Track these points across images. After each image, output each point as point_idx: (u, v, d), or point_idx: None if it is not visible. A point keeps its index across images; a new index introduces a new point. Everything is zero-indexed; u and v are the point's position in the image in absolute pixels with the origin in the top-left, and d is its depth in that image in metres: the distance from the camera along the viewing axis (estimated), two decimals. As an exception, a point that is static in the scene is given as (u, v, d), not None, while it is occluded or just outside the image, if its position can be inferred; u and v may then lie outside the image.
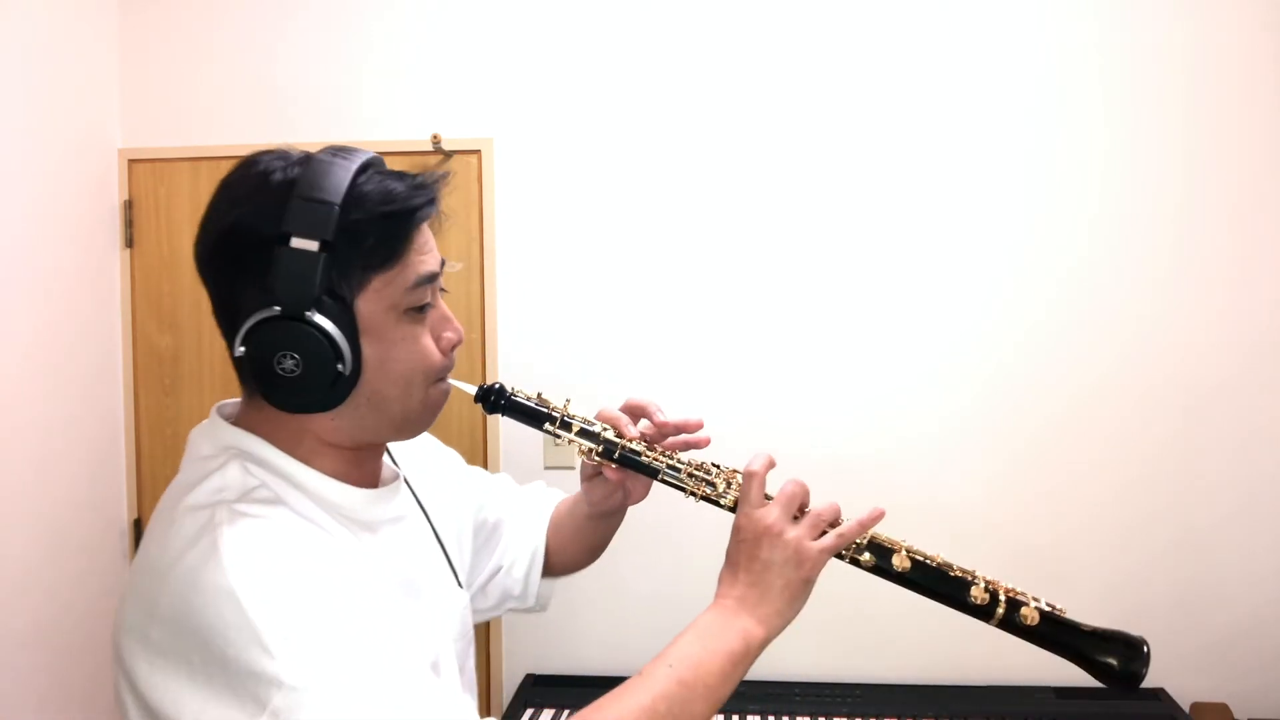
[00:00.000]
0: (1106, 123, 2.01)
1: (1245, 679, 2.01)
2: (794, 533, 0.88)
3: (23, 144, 1.90)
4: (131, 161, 2.18)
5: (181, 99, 2.18)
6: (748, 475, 0.92)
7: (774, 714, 1.90)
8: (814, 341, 2.08)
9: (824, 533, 0.89)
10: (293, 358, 0.82)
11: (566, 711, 1.90)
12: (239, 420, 0.90)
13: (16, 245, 1.88)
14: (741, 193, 2.08)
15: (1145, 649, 0.90)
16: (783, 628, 0.88)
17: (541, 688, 2.09)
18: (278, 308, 0.81)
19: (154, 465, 2.22)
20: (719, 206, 2.09)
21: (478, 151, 2.13)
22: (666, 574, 2.06)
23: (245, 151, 0.88)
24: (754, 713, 1.90)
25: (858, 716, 1.90)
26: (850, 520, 0.90)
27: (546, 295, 2.13)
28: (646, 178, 2.10)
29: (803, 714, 1.90)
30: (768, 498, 0.91)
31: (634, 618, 2.04)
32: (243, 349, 0.83)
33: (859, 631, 2.05)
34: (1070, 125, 2.02)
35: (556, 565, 1.24)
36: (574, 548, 1.22)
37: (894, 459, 2.07)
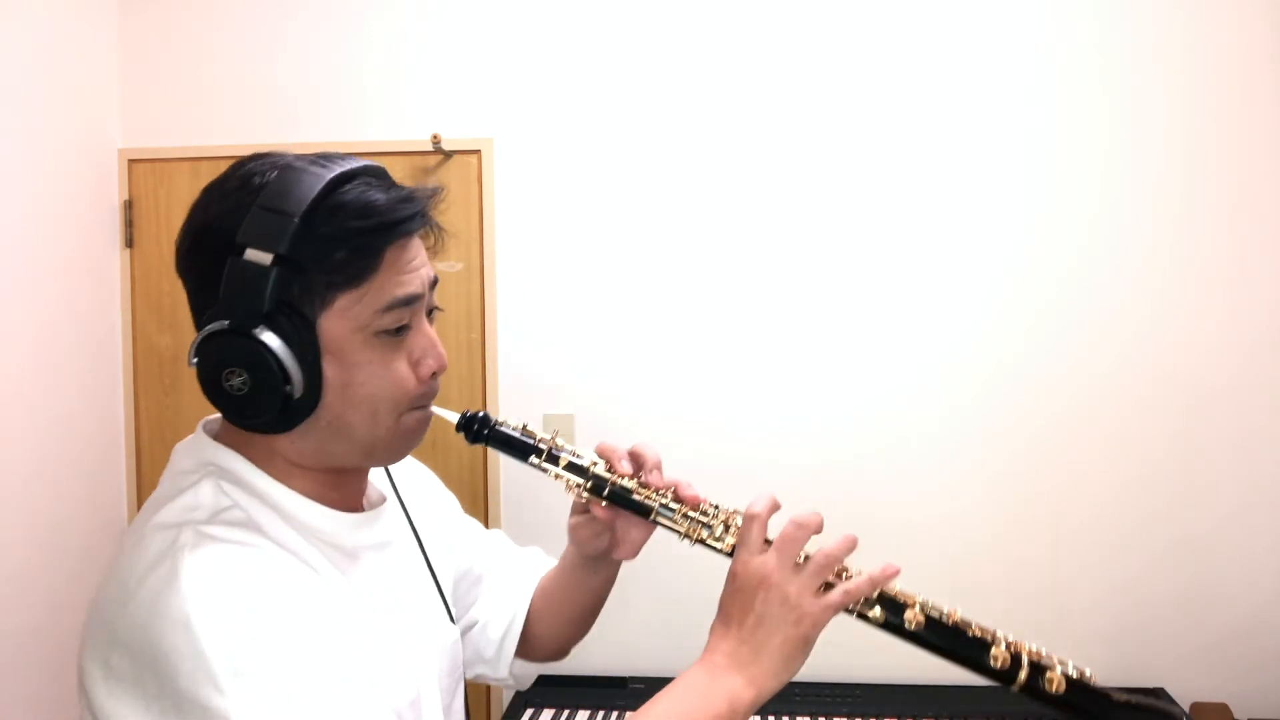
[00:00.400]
0: (1107, 123, 2.01)
1: (1245, 679, 2.01)
2: (794, 585, 0.80)
3: (23, 144, 1.90)
4: (131, 161, 2.18)
5: (181, 99, 2.18)
6: (748, 517, 0.84)
7: (774, 714, 1.90)
8: (815, 342, 2.08)
9: (831, 584, 0.81)
10: (240, 375, 0.77)
11: (567, 712, 1.89)
12: (220, 435, 0.86)
13: (16, 245, 1.88)
14: (741, 193, 2.08)
15: None
16: (776, 688, 0.80)
17: (541, 688, 2.07)
18: (226, 321, 0.77)
19: (154, 465, 2.22)
20: (719, 206, 2.09)
21: (478, 151, 2.13)
22: (668, 574, 2.05)
23: (245, 151, 0.87)
24: (753, 713, 1.90)
25: (858, 716, 1.90)
26: (861, 575, 0.82)
27: (546, 296, 2.13)
28: (647, 178, 2.10)
29: (803, 714, 1.90)
30: (768, 543, 0.83)
31: (635, 618, 2.03)
32: (195, 360, 0.79)
33: (859, 631, 2.04)
34: (1070, 125, 2.02)
35: (541, 637, 1.14)
36: (560, 613, 1.12)
37: (894, 460, 2.07)
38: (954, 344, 2.05)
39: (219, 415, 0.87)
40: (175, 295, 2.18)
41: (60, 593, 1.97)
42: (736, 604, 0.82)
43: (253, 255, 0.76)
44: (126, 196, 2.19)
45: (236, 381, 0.77)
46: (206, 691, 0.68)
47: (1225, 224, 1.99)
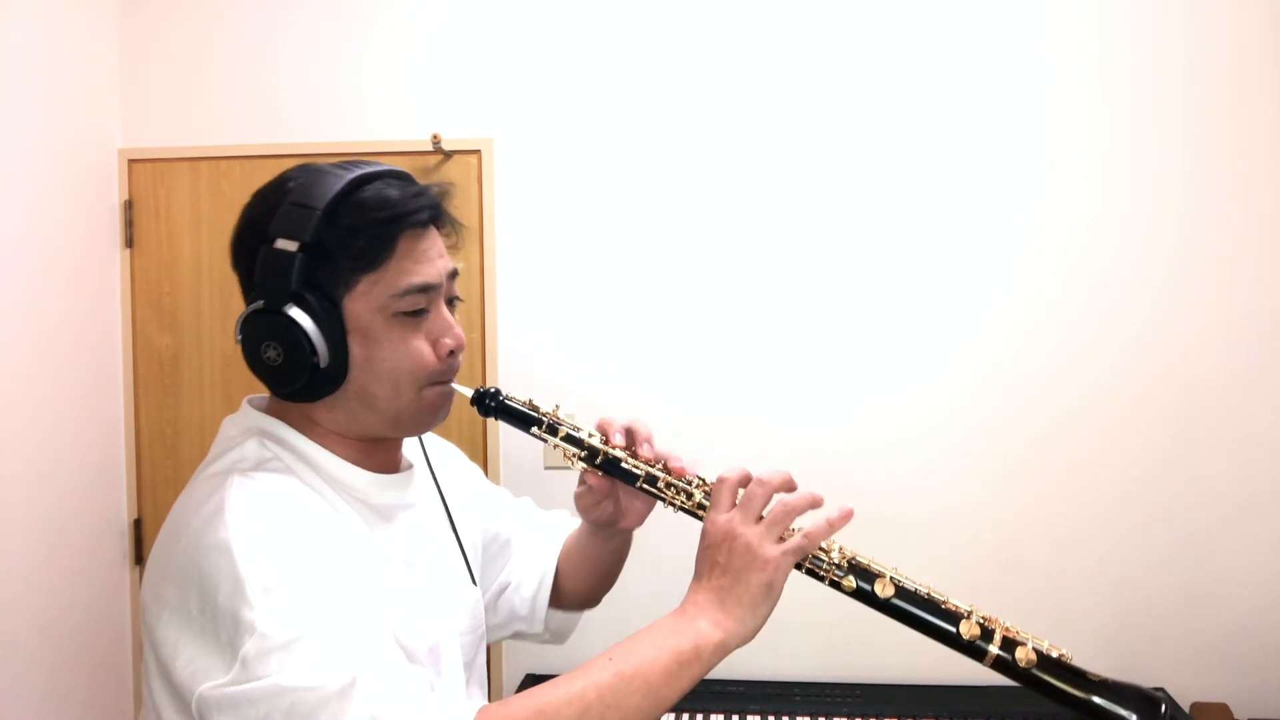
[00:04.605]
0: (1106, 123, 2.01)
1: (1245, 679, 2.01)
2: (754, 534, 0.84)
3: (23, 144, 1.90)
4: (131, 161, 2.18)
5: (181, 99, 2.18)
6: (718, 481, 0.90)
7: (774, 714, 1.90)
8: (815, 341, 2.08)
9: (788, 536, 0.85)
10: (274, 348, 0.87)
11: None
12: (264, 408, 0.97)
13: (16, 245, 1.88)
14: (742, 192, 2.08)
15: (1164, 708, 0.79)
16: (745, 634, 0.84)
17: (541, 688, 2.08)
18: (261, 301, 0.88)
19: (154, 465, 2.22)
20: (719, 206, 2.09)
21: (478, 151, 2.13)
22: (667, 574, 2.05)
23: (245, 152, 0.92)
24: (754, 713, 1.90)
25: (858, 716, 1.90)
26: (819, 521, 0.86)
27: (546, 295, 2.13)
28: (647, 178, 2.10)
29: (803, 714, 1.90)
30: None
31: (634, 618, 2.02)
32: (240, 338, 0.90)
33: (859, 631, 2.05)
34: (1070, 125, 2.02)
35: (568, 593, 1.22)
36: (582, 572, 1.20)
37: (894, 458, 2.07)
38: (953, 343, 2.06)
39: (264, 394, 0.99)
40: (175, 295, 2.18)
41: (61, 592, 1.97)
42: (705, 558, 0.87)
43: (282, 244, 0.87)
44: (126, 196, 2.19)
45: (272, 354, 0.88)
46: (238, 605, 0.76)
47: (1224, 224, 1.99)
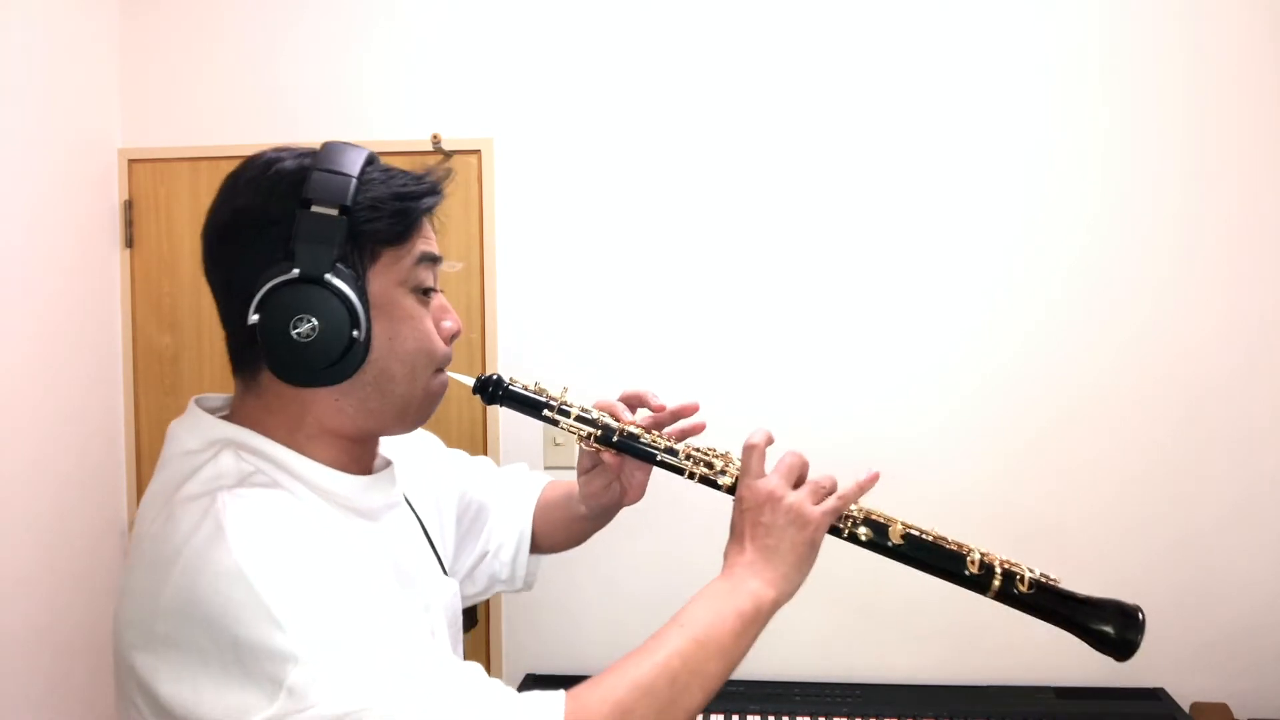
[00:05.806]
0: (1107, 123, 2.01)
1: (1245, 679, 2.01)
2: (795, 497, 0.90)
3: (23, 144, 1.90)
4: (131, 161, 2.18)
5: (181, 99, 2.18)
6: (748, 448, 0.95)
7: (774, 714, 1.90)
8: (814, 340, 2.08)
9: (824, 499, 0.92)
10: (309, 321, 0.81)
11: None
12: (228, 414, 0.91)
13: (16, 245, 1.88)
14: (741, 191, 2.08)
15: (1140, 616, 0.92)
16: (791, 592, 0.89)
17: (539, 687, 2.09)
18: (296, 270, 0.81)
19: (154, 465, 2.21)
20: (719, 206, 2.09)
21: (478, 151, 2.13)
22: (664, 573, 2.06)
23: (246, 151, 0.90)
24: (754, 713, 1.90)
25: (858, 716, 1.90)
26: (849, 484, 0.93)
27: (546, 295, 2.13)
28: (647, 177, 2.10)
29: (803, 714, 1.90)
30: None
31: (632, 617, 2.03)
32: (256, 316, 0.82)
33: (859, 631, 2.05)
34: (1070, 125, 2.02)
35: (543, 548, 1.25)
36: (561, 535, 1.23)
37: (894, 458, 2.06)
38: (952, 344, 2.05)
39: (215, 395, 0.94)
40: (175, 295, 2.18)
41: (61, 593, 1.97)
42: (746, 521, 0.91)
43: (320, 210, 0.82)
44: (126, 196, 2.19)
45: (305, 328, 0.81)
46: (268, 633, 0.70)
47: (1224, 224, 1.99)
